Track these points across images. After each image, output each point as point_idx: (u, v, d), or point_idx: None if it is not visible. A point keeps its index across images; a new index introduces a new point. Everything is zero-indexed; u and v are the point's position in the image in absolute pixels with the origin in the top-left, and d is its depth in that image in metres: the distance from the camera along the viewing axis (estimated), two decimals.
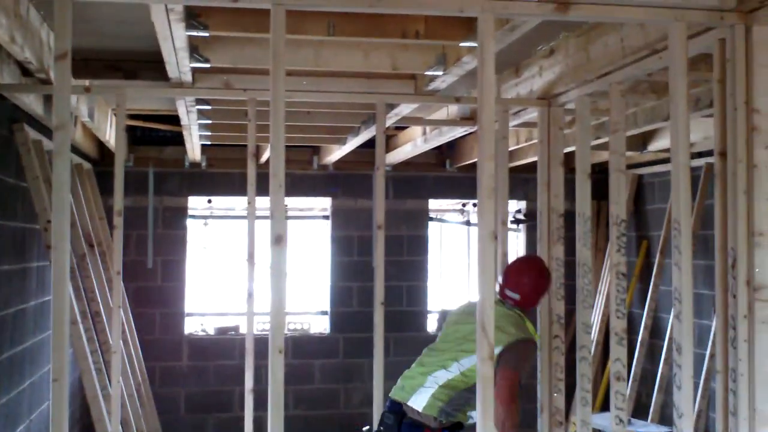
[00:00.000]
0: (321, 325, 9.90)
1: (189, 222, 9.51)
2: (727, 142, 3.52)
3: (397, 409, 4.79)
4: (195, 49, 4.57)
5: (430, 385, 4.70)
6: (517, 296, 4.83)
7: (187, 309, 9.47)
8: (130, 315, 8.50)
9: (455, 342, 4.80)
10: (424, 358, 4.92)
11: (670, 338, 7.58)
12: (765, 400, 3.40)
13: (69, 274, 3.23)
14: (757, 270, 3.42)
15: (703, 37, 3.64)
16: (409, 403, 4.73)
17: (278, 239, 3.26)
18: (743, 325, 3.44)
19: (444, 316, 5.27)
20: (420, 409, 4.68)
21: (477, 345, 3.32)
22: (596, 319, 9.04)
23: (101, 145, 8.57)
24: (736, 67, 3.44)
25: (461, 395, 4.65)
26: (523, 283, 4.85)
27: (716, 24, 3.45)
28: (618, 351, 4.41)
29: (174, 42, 4.19)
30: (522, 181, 9.39)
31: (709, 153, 7.26)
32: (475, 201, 3.25)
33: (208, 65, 4.70)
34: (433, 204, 10.07)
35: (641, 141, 7.61)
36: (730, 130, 3.48)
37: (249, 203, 5.54)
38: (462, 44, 4.34)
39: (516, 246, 10.18)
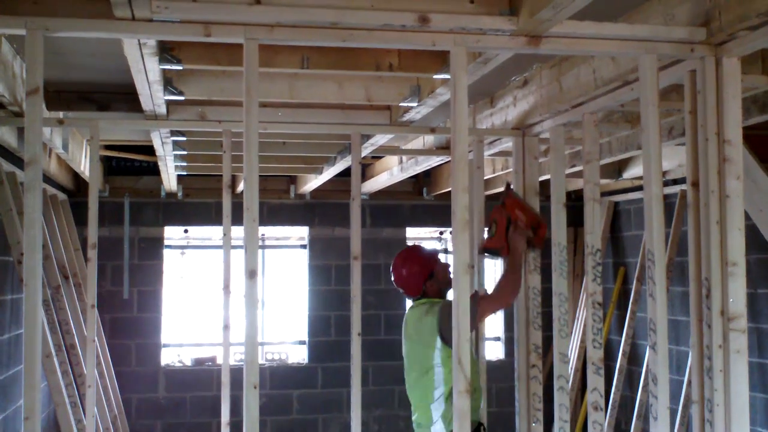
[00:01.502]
0: (299, 355, 9.85)
1: (165, 252, 9.46)
2: (699, 172, 3.54)
3: None
4: (169, 81, 4.57)
5: (436, 419, 4.83)
6: (405, 290, 5.10)
7: (163, 340, 9.41)
8: (106, 346, 8.43)
9: (415, 370, 4.94)
10: (412, 400, 5.03)
11: (648, 365, 7.59)
12: (741, 431, 3.41)
13: (42, 308, 3.20)
14: (731, 300, 3.43)
15: (673, 68, 3.67)
16: None
17: (252, 273, 3.24)
18: (718, 355, 3.45)
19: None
20: None
21: (453, 377, 3.32)
22: (574, 345, 9.05)
23: (76, 176, 8.53)
24: (706, 98, 3.46)
25: None
26: (398, 279, 5.10)
27: (686, 56, 3.48)
28: (595, 380, 4.41)
29: (147, 75, 4.18)
30: None
31: (684, 180, 7.32)
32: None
33: (182, 98, 4.69)
34: (411, 232, 10.08)
35: (616, 168, 7.65)
36: (702, 161, 3.51)
37: (224, 234, 5.52)
38: (436, 76, 4.35)
39: (494, 274, 10.17)
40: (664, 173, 7.07)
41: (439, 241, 10.62)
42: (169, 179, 8.31)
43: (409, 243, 10.05)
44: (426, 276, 5.01)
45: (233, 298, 5.55)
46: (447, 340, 4.67)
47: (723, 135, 3.45)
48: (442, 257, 5.17)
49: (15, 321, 6.29)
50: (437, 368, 4.83)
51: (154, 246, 9.34)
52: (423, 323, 4.88)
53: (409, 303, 5.19)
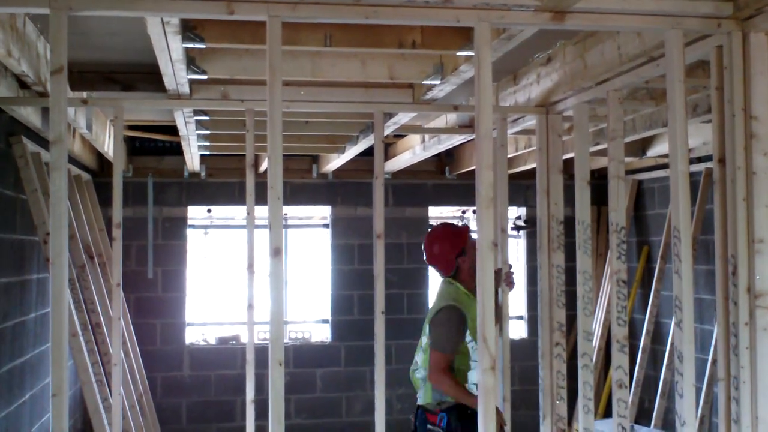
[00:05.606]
0: (322, 334, 9.88)
1: (189, 232, 9.50)
2: (725, 149, 3.51)
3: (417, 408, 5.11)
4: (192, 60, 4.56)
5: (421, 375, 5.01)
6: (438, 268, 5.14)
7: (187, 319, 9.46)
8: (131, 326, 8.49)
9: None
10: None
11: (672, 343, 7.57)
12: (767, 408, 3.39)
13: (68, 288, 3.22)
14: (757, 277, 3.41)
15: (700, 44, 3.63)
16: (418, 402, 5.05)
17: (276, 251, 3.25)
18: (744, 333, 3.43)
19: None
20: (423, 403, 4.98)
21: (478, 355, 3.33)
22: (598, 324, 9.02)
23: (100, 156, 8.57)
24: (733, 74, 3.43)
25: None
26: (430, 258, 5.14)
27: (713, 31, 3.44)
28: (620, 358, 4.40)
29: (170, 54, 4.19)
30: (522, 187, 9.42)
31: (709, 158, 7.26)
32: (475, 208, 3.28)
33: (205, 77, 4.69)
34: (433, 211, 10.06)
35: (640, 147, 7.60)
36: (729, 137, 3.47)
37: (248, 213, 5.54)
38: (459, 53, 4.33)
39: (516, 253, 10.17)
40: (689, 151, 7.03)
41: (462, 219, 10.61)
42: (192, 159, 8.33)
43: (432, 222, 10.05)
44: (457, 252, 5.03)
45: (257, 277, 5.58)
46: (431, 337, 4.91)
47: (750, 111, 3.42)
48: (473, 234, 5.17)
49: (41, 300, 6.34)
50: (424, 357, 4.99)
51: (178, 226, 9.38)
52: (435, 302, 5.06)
53: (433, 283, 5.23)
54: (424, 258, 5.18)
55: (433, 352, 4.84)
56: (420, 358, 5.04)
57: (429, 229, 5.38)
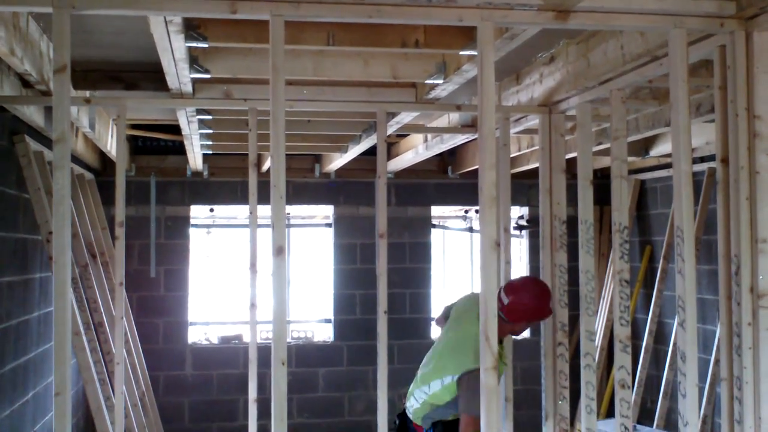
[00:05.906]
0: (324, 333, 9.89)
1: (191, 231, 9.50)
2: (729, 148, 3.50)
3: (404, 413, 5.15)
4: (195, 59, 4.56)
5: (420, 398, 4.97)
6: (500, 305, 4.78)
7: (190, 318, 9.46)
8: (134, 325, 8.49)
9: (438, 357, 4.97)
10: (421, 369, 5.11)
11: (675, 344, 7.56)
12: None
13: (71, 287, 3.22)
14: (761, 277, 3.40)
15: (703, 43, 3.63)
16: (408, 414, 5.09)
17: (279, 250, 3.24)
18: (747, 333, 3.42)
19: (447, 312, 5.36)
20: (413, 419, 5.03)
21: (480, 355, 3.32)
22: (600, 324, 9.02)
23: (103, 155, 8.58)
24: (736, 73, 3.42)
25: (440, 409, 4.89)
26: (514, 296, 4.85)
27: (716, 31, 3.44)
28: (622, 358, 4.40)
29: (173, 53, 4.19)
30: (524, 186, 9.41)
31: (712, 158, 7.25)
32: (478, 207, 3.26)
33: (208, 76, 4.69)
34: (436, 211, 10.07)
35: (643, 146, 7.59)
36: (732, 137, 3.47)
37: (251, 213, 5.54)
38: (462, 53, 4.32)
39: (519, 252, 10.16)
40: (692, 150, 7.02)
41: (464, 219, 10.61)
42: (195, 158, 8.34)
43: (434, 222, 10.06)
44: (522, 316, 4.87)
45: (260, 276, 5.58)
46: (463, 400, 4.68)
47: (753, 110, 3.41)
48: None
49: (44, 299, 6.35)
50: (440, 390, 4.84)
51: (181, 225, 9.39)
52: (469, 345, 4.73)
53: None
54: (507, 291, 4.90)
55: (465, 415, 4.62)
56: (439, 390, 4.85)
57: (538, 280, 5.11)
